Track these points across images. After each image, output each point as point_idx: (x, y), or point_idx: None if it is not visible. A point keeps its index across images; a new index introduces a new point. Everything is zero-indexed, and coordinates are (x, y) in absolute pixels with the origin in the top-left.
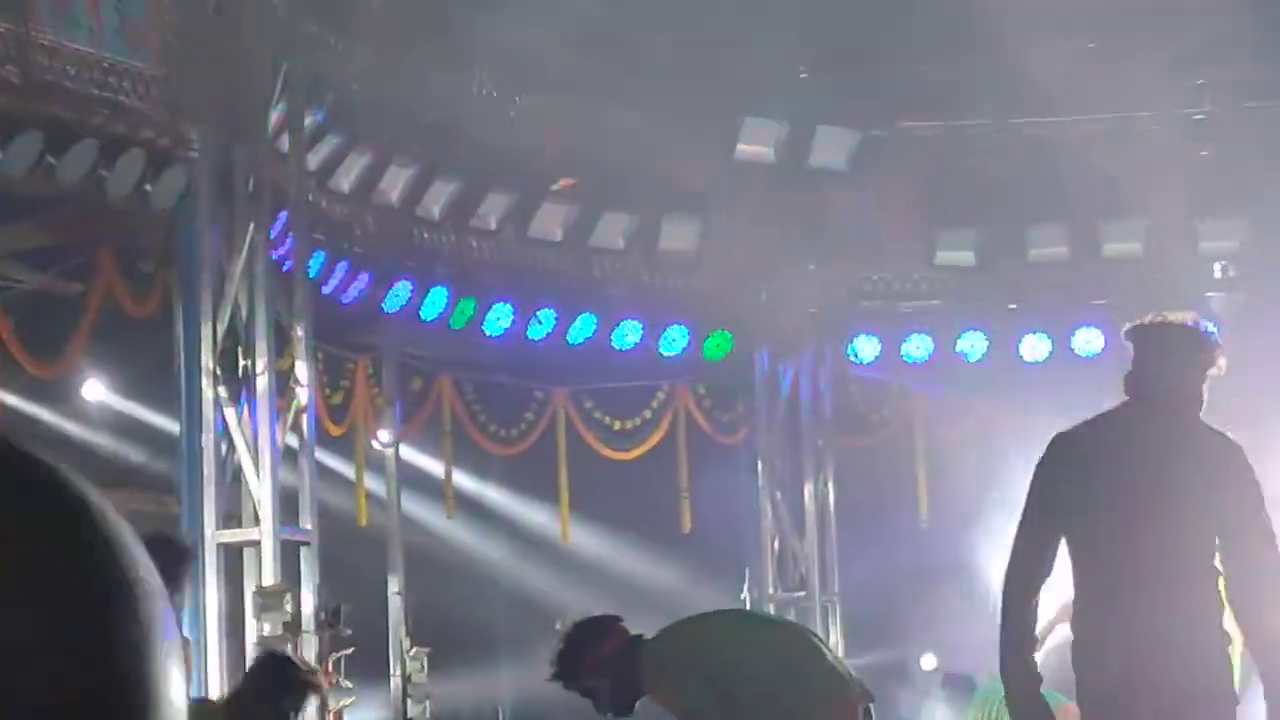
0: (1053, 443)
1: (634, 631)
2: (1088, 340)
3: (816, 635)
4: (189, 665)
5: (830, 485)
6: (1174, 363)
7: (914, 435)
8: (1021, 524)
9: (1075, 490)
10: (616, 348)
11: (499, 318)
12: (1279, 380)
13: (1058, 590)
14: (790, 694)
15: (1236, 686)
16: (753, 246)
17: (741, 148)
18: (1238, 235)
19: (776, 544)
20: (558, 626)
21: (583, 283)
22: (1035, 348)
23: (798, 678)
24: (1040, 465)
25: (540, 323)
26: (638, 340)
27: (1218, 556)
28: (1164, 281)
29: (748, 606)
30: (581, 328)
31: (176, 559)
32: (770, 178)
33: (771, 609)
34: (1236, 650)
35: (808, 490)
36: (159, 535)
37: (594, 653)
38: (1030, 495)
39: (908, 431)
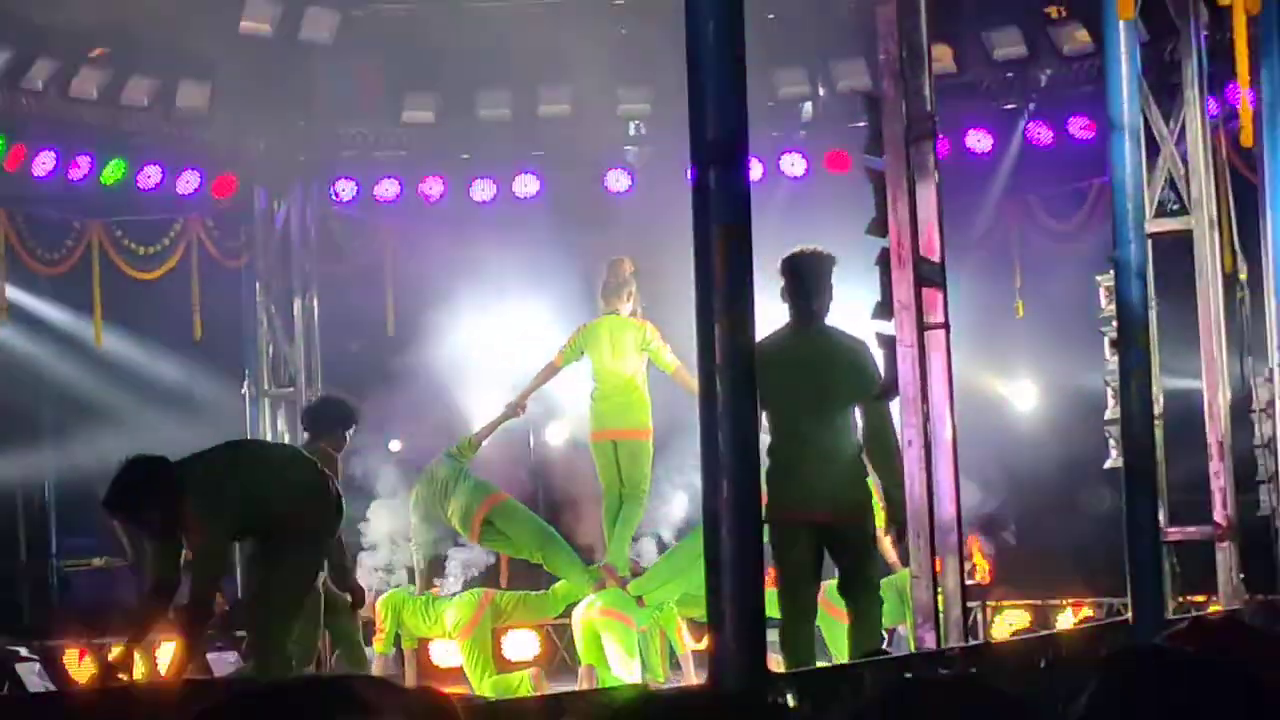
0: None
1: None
2: (525, 185)
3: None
4: None
5: (315, 301)
6: (822, 287)
7: (384, 261)
8: None
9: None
10: (141, 187)
11: (45, 162)
12: (678, 215)
13: None
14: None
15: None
16: (253, 105)
17: (244, 23)
18: (648, 100)
19: (271, 349)
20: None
21: (114, 134)
22: (483, 191)
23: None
24: None
25: (78, 166)
26: (159, 181)
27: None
28: (589, 137)
29: (247, 400)
30: (113, 171)
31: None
32: (268, 49)
33: (267, 402)
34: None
35: (297, 305)
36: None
37: (154, 495)
38: None
39: (379, 258)
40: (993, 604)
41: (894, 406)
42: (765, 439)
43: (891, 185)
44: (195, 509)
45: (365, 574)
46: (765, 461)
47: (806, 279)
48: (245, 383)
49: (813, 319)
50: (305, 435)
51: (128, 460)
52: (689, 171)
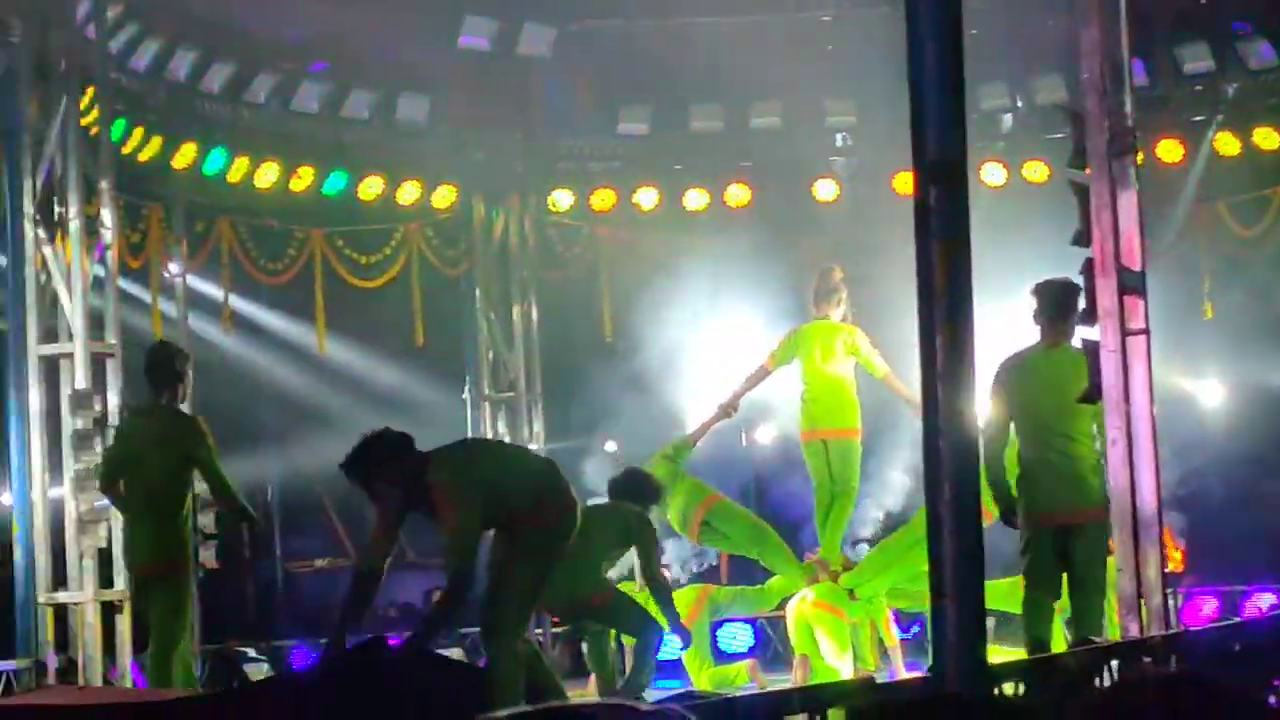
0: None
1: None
2: (737, 195)
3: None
4: None
5: (534, 308)
6: (1071, 311)
7: (600, 269)
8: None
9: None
10: (362, 198)
11: (267, 173)
12: (884, 224)
13: None
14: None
15: None
16: (472, 118)
17: (463, 39)
18: (854, 112)
19: (491, 354)
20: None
21: (335, 146)
22: (696, 200)
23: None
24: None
25: (300, 178)
26: (380, 192)
27: None
28: (797, 149)
29: (468, 405)
30: (334, 182)
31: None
32: (487, 63)
33: (487, 406)
34: None
35: (515, 311)
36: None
37: (396, 465)
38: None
39: (595, 266)
40: (1184, 591)
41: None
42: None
43: (1095, 197)
44: (448, 485)
45: None
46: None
47: (1059, 303)
48: (466, 387)
49: (1061, 338)
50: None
51: (373, 431)
52: (893, 181)
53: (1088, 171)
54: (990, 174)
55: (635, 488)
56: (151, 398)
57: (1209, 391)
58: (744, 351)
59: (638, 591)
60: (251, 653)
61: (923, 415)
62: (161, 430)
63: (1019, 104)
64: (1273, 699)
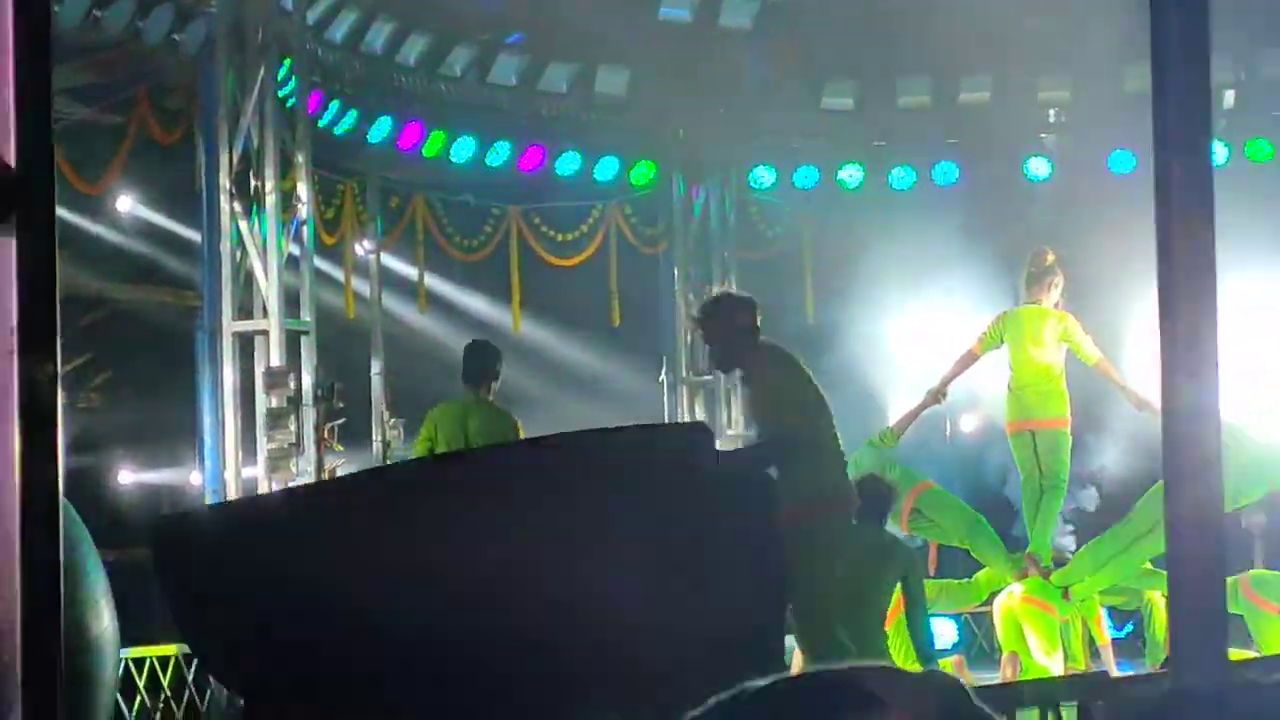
0: None
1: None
2: (945, 173)
3: None
4: None
5: (733, 288)
6: None
7: (802, 249)
8: None
9: None
10: (560, 174)
11: (464, 149)
12: (1098, 203)
13: None
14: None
15: None
16: (672, 92)
17: (664, 10)
18: (1067, 89)
19: (689, 337)
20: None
21: (532, 120)
22: (902, 178)
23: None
24: None
25: (497, 153)
26: (577, 168)
27: None
28: (1008, 125)
29: (664, 388)
30: (531, 157)
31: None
32: (688, 35)
33: (685, 390)
34: None
35: (714, 292)
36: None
37: (730, 319)
38: None
39: (797, 246)
40: None
41: None
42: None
43: None
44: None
45: None
46: None
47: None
48: (663, 370)
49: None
50: None
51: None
52: (1108, 160)
53: None
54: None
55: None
56: (470, 391)
57: None
58: (950, 337)
59: None
60: None
61: (1162, 407)
62: (482, 424)
63: (1243, 77)
64: None
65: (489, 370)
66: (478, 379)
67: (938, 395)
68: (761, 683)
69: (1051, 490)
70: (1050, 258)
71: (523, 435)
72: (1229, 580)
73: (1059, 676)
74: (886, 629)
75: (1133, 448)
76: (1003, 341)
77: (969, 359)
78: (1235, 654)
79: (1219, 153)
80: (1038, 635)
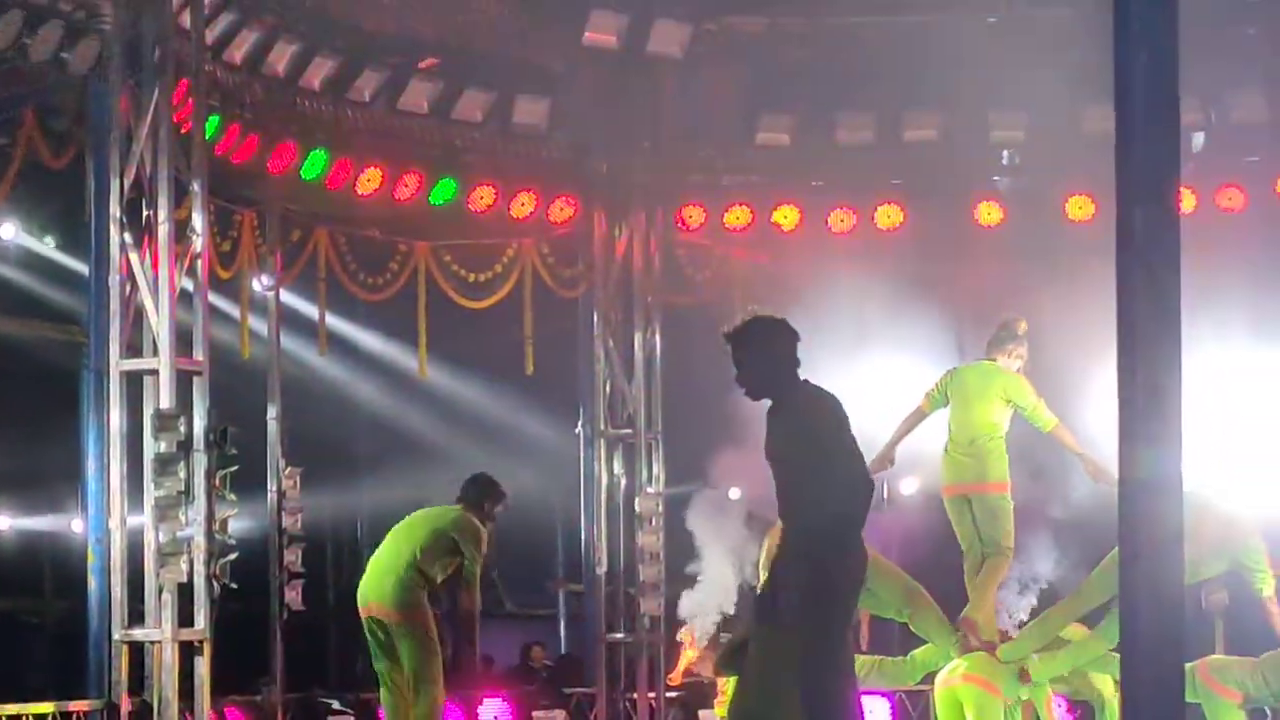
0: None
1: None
2: (889, 215)
3: None
4: None
5: (657, 336)
6: None
7: (733, 295)
8: None
9: None
10: (472, 209)
11: (370, 179)
12: (1055, 250)
13: None
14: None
15: None
16: (595, 123)
17: (588, 35)
18: (1022, 128)
19: (608, 386)
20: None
21: (445, 150)
22: (842, 221)
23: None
24: None
25: (406, 185)
26: (491, 203)
27: None
28: (957, 166)
29: (581, 441)
30: (442, 190)
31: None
32: (614, 63)
33: (602, 444)
34: None
35: (637, 340)
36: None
37: (767, 345)
38: None
39: (728, 292)
40: None
41: None
42: None
43: None
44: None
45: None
46: None
47: None
48: (580, 422)
49: None
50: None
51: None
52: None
53: None
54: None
55: None
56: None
57: None
58: (895, 392)
59: None
60: (336, 705)
61: (1120, 477)
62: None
63: (1213, 119)
64: None
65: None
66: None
67: (885, 461)
68: None
69: (995, 558)
70: (1023, 327)
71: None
72: (1187, 666)
73: None
74: None
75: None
76: (949, 398)
77: (917, 417)
78: None
79: (1187, 200)
80: (980, 717)
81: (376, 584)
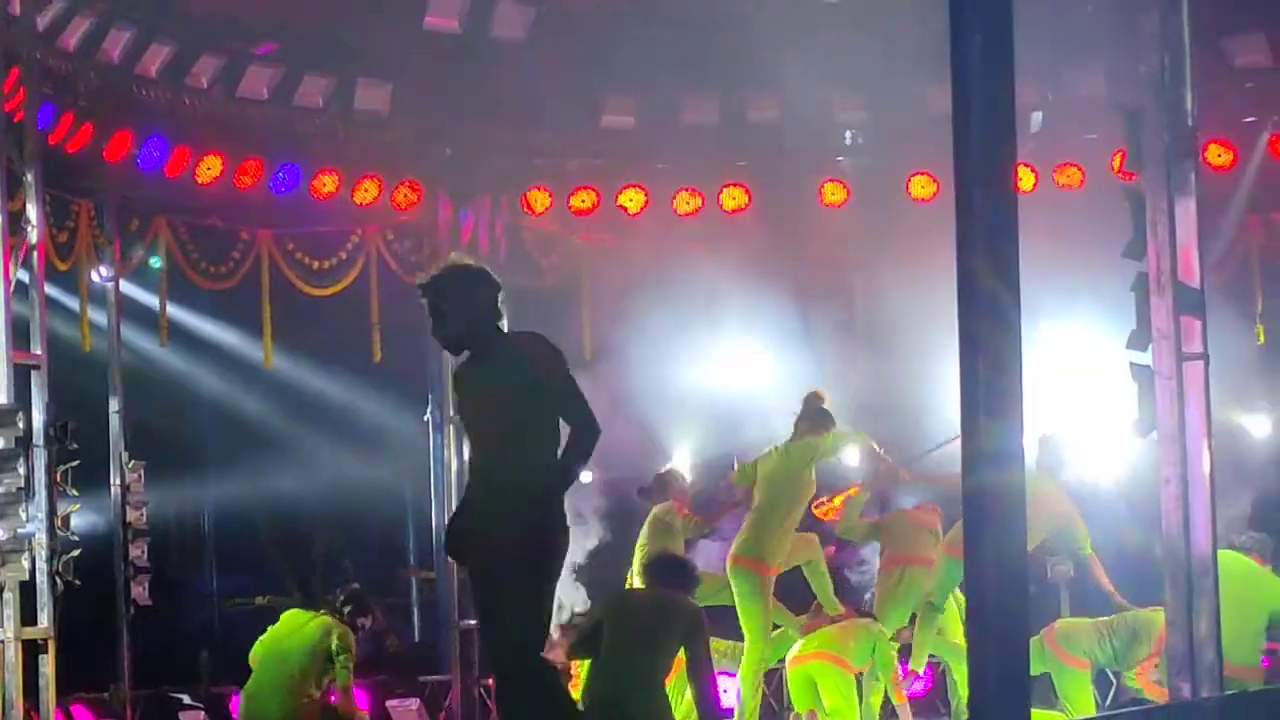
0: None
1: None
2: (734, 197)
3: None
4: None
5: (505, 321)
6: None
7: (580, 279)
8: None
9: None
10: (315, 196)
11: (210, 168)
12: (899, 229)
13: None
14: None
15: None
16: (438, 108)
17: (429, 19)
18: (865, 109)
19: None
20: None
21: (286, 137)
22: (687, 203)
23: None
24: None
25: (247, 173)
26: (334, 189)
27: None
28: (800, 147)
29: (430, 429)
30: (284, 178)
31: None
32: (456, 47)
33: (451, 430)
34: None
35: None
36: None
37: (470, 295)
38: None
39: (575, 275)
40: None
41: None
42: None
43: (1150, 205)
44: None
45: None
46: None
47: None
48: (428, 409)
49: None
50: None
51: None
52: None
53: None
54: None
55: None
56: None
57: (1258, 424)
58: (741, 373)
59: None
60: (187, 699)
61: (963, 447)
62: None
63: (1050, 99)
64: None
65: None
66: None
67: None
68: None
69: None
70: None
71: None
72: (1035, 637)
73: None
74: (666, 686)
75: None
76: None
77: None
78: (1041, 716)
79: (1025, 178)
80: (832, 691)
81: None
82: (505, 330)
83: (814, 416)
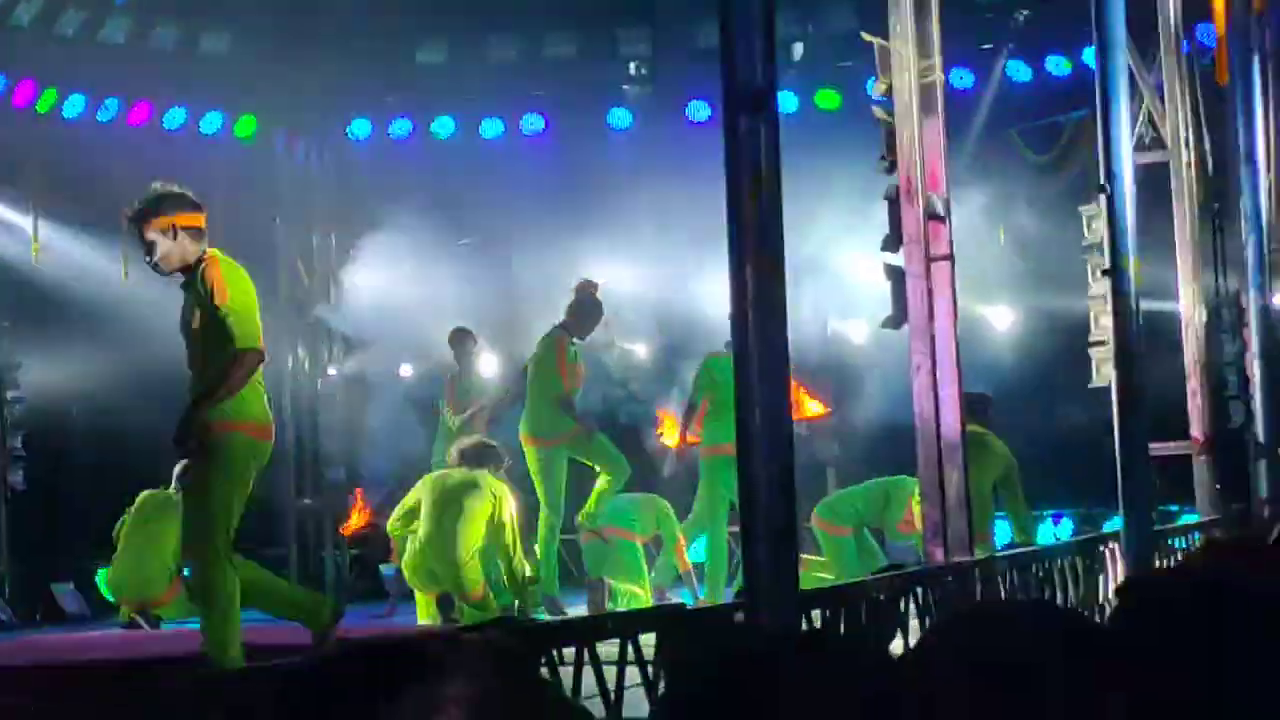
0: None
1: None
2: (533, 123)
3: None
4: None
5: (332, 236)
6: None
7: (398, 199)
8: None
9: None
10: (167, 128)
11: (74, 105)
12: (679, 150)
13: None
14: None
15: None
16: (273, 50)
17: None
18: (647, 42)
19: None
20: None
21: (141, 78)
22: (493, 128)
23: None
24: None
25: (107, 109)
26: (183, 122)
27: None
28: (591, 78)
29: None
30: (139, 113)
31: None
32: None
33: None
34: None
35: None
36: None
37: (174, 219)
38: None
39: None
40: None
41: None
42: None
43: (899, 125)
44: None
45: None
46: None
47: None
48: None
49: None
50: None
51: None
52: (686, 109)
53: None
54: (782, 103)
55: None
56: None
57: (1000, 317)
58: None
59: None
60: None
61: (734, 345)
62: None
63: (810, 30)
64: None
65: None
66: None
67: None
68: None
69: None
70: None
71: None
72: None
73: (638, 611)
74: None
75: None
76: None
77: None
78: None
79: (789, 101)
80: (622, 560)
81: None
82: (210, 252)
83: (576, 305)
